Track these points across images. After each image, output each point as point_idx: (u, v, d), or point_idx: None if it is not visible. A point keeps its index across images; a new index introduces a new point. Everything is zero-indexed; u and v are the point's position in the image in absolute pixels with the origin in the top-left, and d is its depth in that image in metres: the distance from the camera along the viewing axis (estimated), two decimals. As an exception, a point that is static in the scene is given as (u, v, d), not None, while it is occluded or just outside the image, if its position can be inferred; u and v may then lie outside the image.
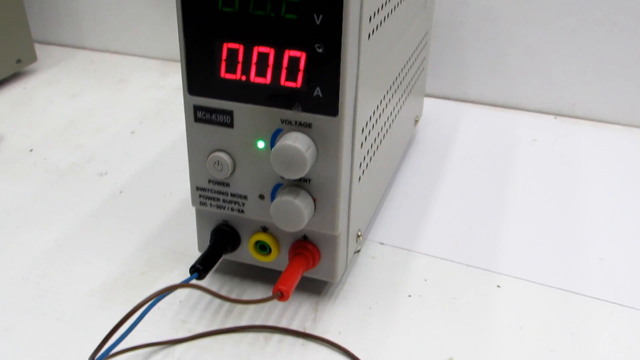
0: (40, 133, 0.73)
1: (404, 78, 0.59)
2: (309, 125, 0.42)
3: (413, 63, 0.63)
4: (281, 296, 0.44)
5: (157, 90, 0.84)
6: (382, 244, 0.57)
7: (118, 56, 0.96)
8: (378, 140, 0.53)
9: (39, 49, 0.93)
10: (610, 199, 0.64)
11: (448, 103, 0.84)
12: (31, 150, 0.69)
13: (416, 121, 0.72)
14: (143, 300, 0.39)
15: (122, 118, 0.77)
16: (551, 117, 0.82)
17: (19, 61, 0.84)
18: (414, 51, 0.62)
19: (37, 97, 0.82)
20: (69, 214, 0.59)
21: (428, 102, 0.83)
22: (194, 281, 0.44)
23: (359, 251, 0.55)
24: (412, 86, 0.65)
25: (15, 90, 0.83)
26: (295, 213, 0.43)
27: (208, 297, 0.49)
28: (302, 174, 0.42)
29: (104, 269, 0.52)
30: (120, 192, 0.63)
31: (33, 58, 0.87)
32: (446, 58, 0.83)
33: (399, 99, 0.59)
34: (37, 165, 0.67)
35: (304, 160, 0.41)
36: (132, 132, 0.74)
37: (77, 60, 0.94)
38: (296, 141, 0.42)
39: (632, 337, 0.47)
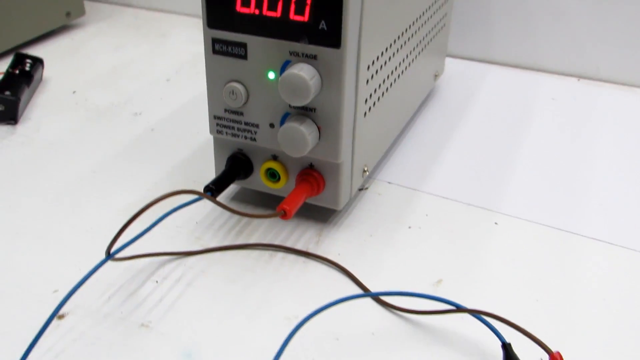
0: (83, 78, 0.79)
1: (418, 29, 0.62)
2: (315, 57, 0.46)
3: (431, 16, 0.66)
4: (284, 215, 0.48)
5: (194, 44, 0.89)
6: (389, 183, 0.60)
7: (160, 13, 1.01)
8: (388, 83, 0.56)
9: (88, 5, 0.99)
10: (622, 154, 0.66)
11: (472, 64, 0.87)
12: (74, 92, 0.75)
13: (436, 76, 0.75)
14: (158, 198, 0.43)
15: (159, 67, 0.82)
16: (574, 80, 0.83)
17: (68, 14, 0.90)
18: (432, 4, 0.65)
19: (83, 48, 0.88)
20: (104, 146, 0.64)
21: (453, 62, 0.86)
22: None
23: (366, 188, 0.59)
24: (431, 40, 0.68)
25: (63, 41, 0.89)
26: (300, 138, 0.47)
27: (222, 219, 0.54)
28: (306, 101, 0.46)
29: (130, 193, 0.57)
30: (152, 130, 0.67)
31: (81, 12, 0.92)
32: (471, 19, 0.85)
33: (414, 49, 0.61)
34: (79, 104, 0.72)
35: (307, 88, 0.45)
36: (167, 80, 0.79)
37: (123, 17, 0.99)
38: (301, 70, 0.45)
39: (620, 273, 0.50)
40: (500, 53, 0.86)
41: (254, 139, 0.51)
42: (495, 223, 0.55)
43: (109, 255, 0.42)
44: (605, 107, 0.75)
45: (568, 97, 0.78)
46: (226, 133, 0.52)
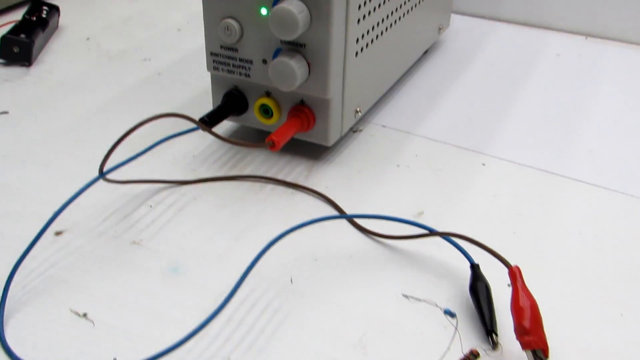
0: (98, 26, 0.81)
1: (418, -24, 0.63)
2: (304, -7, 0.48)
3: (432, -35, 0.67)
4: (272, 146, 0.50)
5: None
6: (384, 126, 0.62)
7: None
8: (382, 27, 0.57)
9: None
10: (618, 108, 0.66)
11: (480, 21, 0.87)
12: (88, 39, 0.78)
13: (440, 29, 0.76)
14: (150, 117, 0.46)
15: (172, 18, 0.84)
16: (582, 38, 0.83)
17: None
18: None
19: None
20: (111, 87, 0.67)
21: (460, 19, 0.86)
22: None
23: (360, 130, 0.61)
24: (432, -10, 0.69)
25: (82, -7, 0.92)
26: (289, 72, 0.49)
27: (218, 153, 0.56)
28: (294, 35, 0.48)
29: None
30: (159, 74, 0.70)
31: (100, -34, 0.95)
32: (480, -26, 0.86)
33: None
34: (92, 50, 0.75)
35: (295, 22, 0.47)
36: (178, 30, 0.81)
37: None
38: (291, 5, 0.47)
39: (599, 211, 0.51)
40: (508, 10, 0.86)
41: (248, 75, 0.53)
42: (483, 164, 0.56)
43: (101, 174, 0.44)
44: (609, 64, 0.76)
45: (573, 54, 0.78)
46: (222, 69, 0.54)
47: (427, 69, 0.72)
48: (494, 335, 0.38)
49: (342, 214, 0.48)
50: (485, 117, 0.63)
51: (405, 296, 0.41)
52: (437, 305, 0.40)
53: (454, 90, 0.68)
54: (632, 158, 0.58)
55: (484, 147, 0.58)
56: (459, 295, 0.42)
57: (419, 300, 0.41)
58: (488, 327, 0.39)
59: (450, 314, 0.36)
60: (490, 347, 0.38)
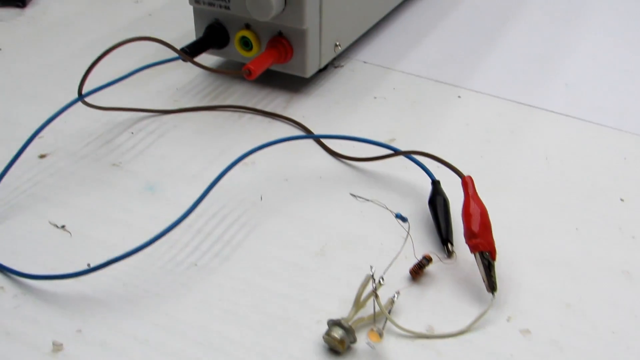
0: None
1: None
2: None
3: None
4: (248, 74, 0.51)
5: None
6: (365, 62, 0.63)
7: None
8: (362, -39, 0.58)
9: None
10: (601, 45, 0.67)
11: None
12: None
13: (428, -30, 0.76)
14: (128, 39, 0.47)
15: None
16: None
17: None
18: None
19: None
20: (104, 27, 0.68)
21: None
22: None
23: (341, 66, 0.62)
24: None
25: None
26: (265, 1, 0.50)
27: (201, 86, 0.58)
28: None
29: (122, 66, 0.61)
30: (150, 15, 0.72)
31: None
32: None
33: None
34: (85, -7, 0.77)
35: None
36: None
37: None
38: None
39: (568, 139, 0.52)
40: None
41: (228, 7, 0.54)
42: (459, 96, 0.58)
43: (80, 96, 0.46)
44: (595, 1, 0.76)
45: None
46: (203, 2, 0.55)
47: (412, 8, 0.73)
48: (449, 245, 0.40)
49: (309, 134, 0.50)
50: (467, 53, 0.64)
51: (353, 195, 0.43)
52: (386, 208, 0.42)
53: (438, 29, 0.69)
54: (607, 91, 0.58)
55: (462, 81, 0.60)
56: (420, 211, 0.44)
57: (367, 200, 0.43)
58: (444, 236, 0.40)
59: (401, 218, 0.38)
60: (445, 256, 0.40)
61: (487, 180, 0.46)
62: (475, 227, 0.37)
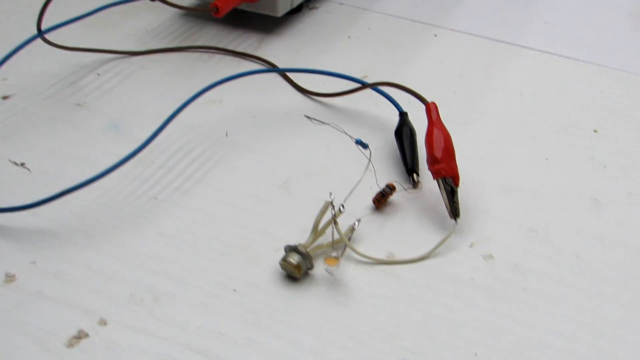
0: None
1: None
2: None
3: None
4: (216, 12, 0.50)
5: None
6: (341, 4, 0.61)
7: None
8: None
9: None
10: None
11: None
12: None
13: None
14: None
15: None
16: None
17: None
18: None
19: None
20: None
21: None
22: None
23: (317, 8, 0.60)
24: None
25: None
26: None
27: (171, 29, 0.57)
28: None
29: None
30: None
31: None
32: None
33: None
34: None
35: None
36: None
37: None
38: None
39: (543, 75, 0.51)
40: None
41: (195, -55, 0.53)
42: (435, 35, 0.56)
43: (39, 32, 0.45)
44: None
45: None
46: (170, -59, 0.54)
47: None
48: (414, 175, 0.39)
49: (273, 68, 0.49)
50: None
51: (308, 117, 0.42)
52: (345, 132, 0.41)
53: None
54: (587, 28, 0.57)
55: (439, 20, 0.58)
56: (388, 144, 0.43)
57: (323, 123, 0.42)
58: (409, 166, 0.39)
59: (362, 144, 0.37)
60: (411, 187, 0.39)
61: (457, 115, 0.45)
62: (438, 153, 0.36)
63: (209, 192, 0.39)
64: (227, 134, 0.44)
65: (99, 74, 0.51)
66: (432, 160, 0.36)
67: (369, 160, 0.37)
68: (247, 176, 0.41)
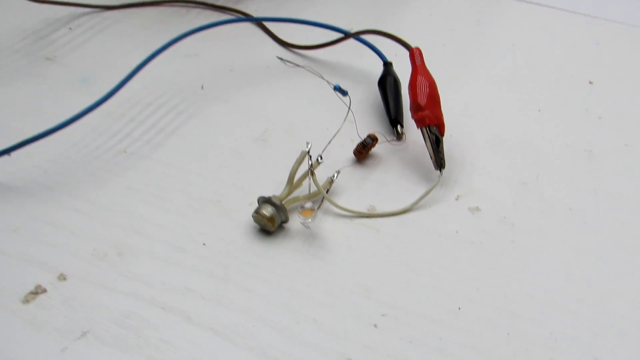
0: None
1: None
2: None
3: None
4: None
5: None
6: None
7: None
8: None
9: None
10: None
11: None
12: None
13: None
14: None
15: None
16: None
17: None
18: None
19: None
20: None
21: None
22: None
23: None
24: None
25: None
26: None
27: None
28: None
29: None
30: None
31: None
32: None
33: None
34: None
35: None
36: None
37: None
38: None
39: (537, 27, 0.49)
40: None
41: None
42: (425, -12, 0.54)
43: (4, -20, 0.43)
44: None
45: None
46: None
47: None
48: (398, 127, 0.37)
49: (249, 17, 0.46)
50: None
51: (280, 59, 0.40)
52: (322, 77, 0.39)
53: None
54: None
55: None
56: (372, 96, 0.41)
57: (297, 65, 0.40)
58: (392, 117, 0.37)
59: (340, 91, 0.35)
60: (394, 139, 0.37)
61: (446, 69, 0.43)
62: (422, 100, 0.34)
63: (181, 145, 0.37)
64: (202, 87, 0.42)
65: (70, 29, 0.48)
66: (415, 108, 0.34)
67: (349, 108, 0.35)
68: (222, 129, 0.38)
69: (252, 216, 0.32)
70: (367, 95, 0.41)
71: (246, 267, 0.31)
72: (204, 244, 0.32)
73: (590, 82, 0.42)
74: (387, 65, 0.40)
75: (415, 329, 0.28)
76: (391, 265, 0.31)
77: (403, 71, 0.39)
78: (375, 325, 0.28)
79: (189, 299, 0.29)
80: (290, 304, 0.29)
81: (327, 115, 0.39)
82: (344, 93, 0.34)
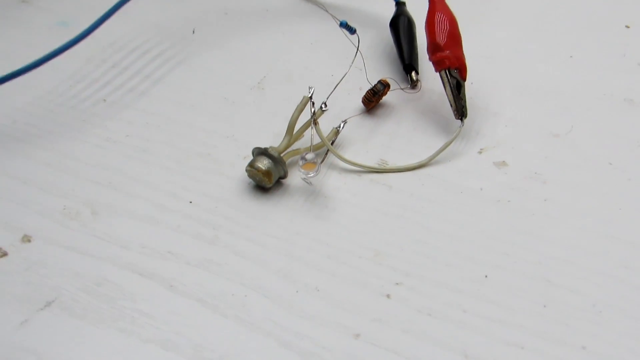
0: None
1: None
2: None
3: None
4: None
5: None
6: None
7: None
8: None
9: None
10: None
11: None
12: None
13: None
14: None
15: None
16: None
17: None
18: None
19: None
20: None
21: None
22: None
23: None
24: None
25: None
26: None
27: None
28: None
29: None
30: None
31: None
32: None
33: None
34: None
35: None
36: None
37: None
38: None
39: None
40: None
41: None
42: None
43: None
44: None
45: None
46: None
47: None
48: (413, 73, 0.33)
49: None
50: None
51: None
52: (327, 11, 0.34)
53: None
54: None
55: None
56: (384, 40, 0.36)
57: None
58: (406, 62, 0.33)
59: (347, 28, 0.30)
60: (408, 86, 0.33)
61: (467, 9, 0.38)
62: (442, 39, 0.30)
63: (168, 94, 0.33)
64: (193, 32, 0.38)
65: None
66: (433, 48, 0.30)
67: (357, 48, 0.30)
68: (214, 77, 0.34)
69: (246, 170, 0.27)
70: (377, 41, 0.36)
71: (238, 229, 0.26)
72: (191, 202, 0.28)
73: (627, 27, 0.38)
74: (400, 4, 0.35)
75: (434, 300, 0.24)
76: (405, 227, 0.26)
77: (417, 13, 0.35)
78: (387, 296, 0.24)
79: (171, 264, 0.25)
80: (289, 270, 0.25)
81: (332, 61, 0.34)
82: (351, 31, 0.30)
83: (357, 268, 0.25)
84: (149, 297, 0.24)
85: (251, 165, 0.27)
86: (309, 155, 0.27)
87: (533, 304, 0.24)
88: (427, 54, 0.31)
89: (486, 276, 0.25)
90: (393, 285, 0.24)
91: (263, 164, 0.27)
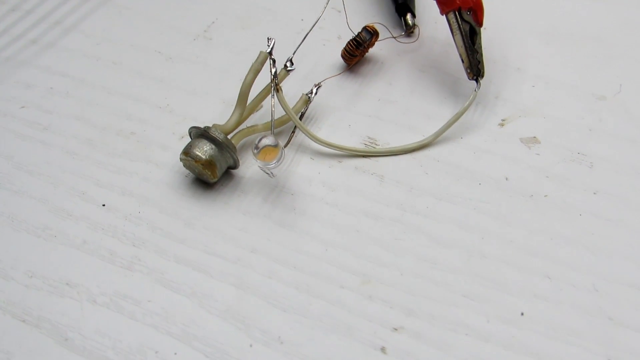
0: None
1: None
2: None
3: None
4: None
5: None
6: None
7: None
8: None
9: None
10: None
11: None
12: None
13: None
14: None
15: None
16: None
17: None
18: None
19: None
20: None
21: None
22: None
23: None
24: None
25: None
26: None
27: None
28: None
29: None
30: None
31: None
32: None
33: None
34: None
35: None
36: None
37: None
38: None
39: None
40: None
41: None
42: None
43: None
44: None
45: None
46: None
47: None
48: (408, 15, 0.24)
49: None
50: None
51: None
52: None
53: None
54: None
55: None
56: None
57: None
58: (399, 0, 0.25)
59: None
60: (402, 33, 0.24)
61: None
62: (450, -31, 0.21)
63: (81, 46, 0.25)
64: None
65: None
66: (439, -19, 0.22)
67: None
68: (146, 22, 0.26)
69: (180, 159, 0.19)
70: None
71: (168, 245, 0.19)
72: (104, 205, 0.20)
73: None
74: None
75: (450, 354, 0.16)
76: (404, 238, 0.19)
77: None
78: (382, 349, 0.17)
79: (69, 302, 0.17)
80: (239, 311, 0.17)
81: (301, 1, 0.26)
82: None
83: (338, 305, 0.18)
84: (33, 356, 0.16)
85: (186, 152, 0.19)
86: (267, 140, 0.19)
87: (592, 356, 0.16)
88: (431, -10, 0.22)
89: (522, 314, 0.17)
90: (390, 331, 0.17)
91: (203, 151, 0.19)
